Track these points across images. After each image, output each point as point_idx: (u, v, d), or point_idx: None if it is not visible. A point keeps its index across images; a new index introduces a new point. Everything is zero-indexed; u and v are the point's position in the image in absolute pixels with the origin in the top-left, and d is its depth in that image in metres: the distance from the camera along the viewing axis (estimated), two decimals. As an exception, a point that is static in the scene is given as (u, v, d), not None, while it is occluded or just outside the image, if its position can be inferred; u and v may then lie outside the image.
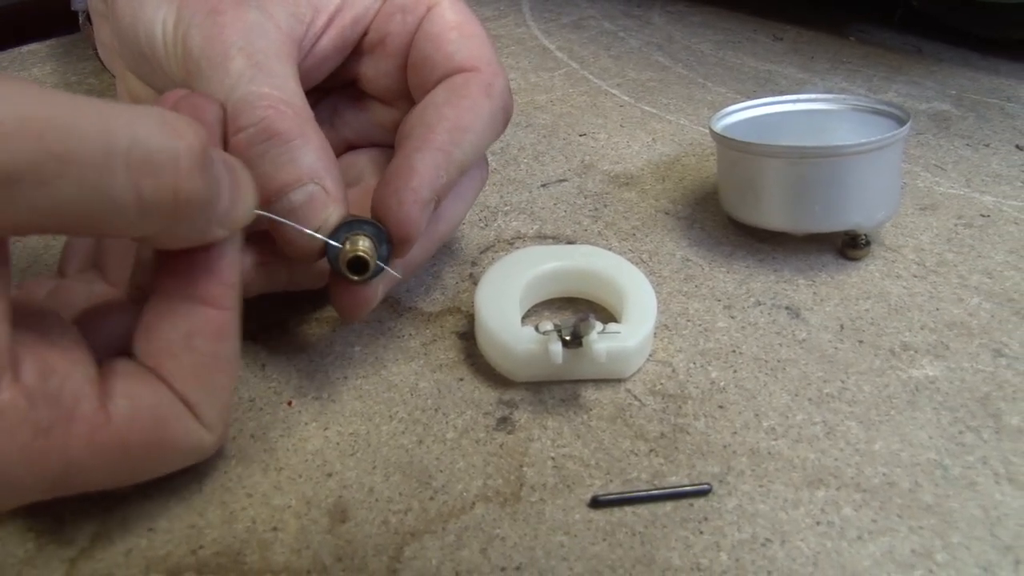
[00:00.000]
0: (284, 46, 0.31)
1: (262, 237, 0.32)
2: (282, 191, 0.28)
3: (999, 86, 0.58)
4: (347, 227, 0.28)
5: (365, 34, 0.36)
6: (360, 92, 0.38)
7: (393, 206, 0.29)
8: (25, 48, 0.60)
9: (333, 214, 0.28)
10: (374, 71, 0.36)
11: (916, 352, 0.35)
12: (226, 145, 0.28)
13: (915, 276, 0.39)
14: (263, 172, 0.28)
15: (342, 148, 0.38)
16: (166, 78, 0.32)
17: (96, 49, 0.46)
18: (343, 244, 0.28)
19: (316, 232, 0.28)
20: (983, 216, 0.44)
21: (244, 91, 0.28)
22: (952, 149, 0.50)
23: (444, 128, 0.31)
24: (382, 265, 0.29)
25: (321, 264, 0.33)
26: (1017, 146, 0.50)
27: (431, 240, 0.34)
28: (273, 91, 0.28)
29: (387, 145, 0.39)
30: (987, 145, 0.50)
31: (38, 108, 0.19)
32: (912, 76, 0.59)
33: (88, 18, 0.45)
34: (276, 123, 0.28)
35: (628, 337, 0.32)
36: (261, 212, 0.27)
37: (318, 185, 0.28)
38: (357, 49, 0.36)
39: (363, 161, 0.37)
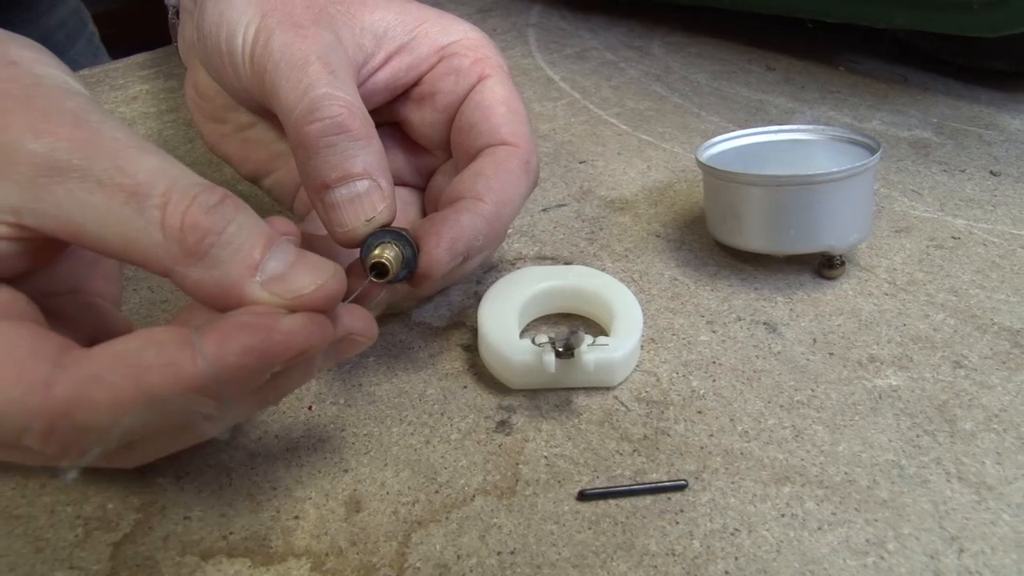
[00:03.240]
0: (350, 67, 0.35)
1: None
2: (344, 180, 0.31)
3: (979, 114, 0.61)
4: (392, 234, 0.32)
5: (417, 84, 0.40)
6: (403, 134, 0.42)
7: (431, 246, 0.33)
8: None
9: (384, 212, 0.32)
10: (420, 119, 0.40)
11: (882, 363, 0.38)
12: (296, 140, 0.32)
13: (886, 294, 0.42)
14: (329, 160, 0.31)
15: None
16: (234, 75, 0.36)
17: (177, 42, 0.51)
18: (375, 247, 0.32)
19: (367, 222, 0.32)
20: (954, 238, 0.47)
21: (324, 90, 0.32)
22: (929, 175, 0.53)
23: (492, 200, 0.35)
24: (394, 282, 0.32)
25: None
26: (991, 171, 0.53)
27: (443, 282, 0.39)
28: (347, 96, 0.32)
29: (416, 187, 0.43)
30: (963, 171, 0.53)
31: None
32: (897, 105, 0.62)
33: (177, 12, 0.50)
34: (349, 120, 0.32)
35: (615, 349, 0.35)
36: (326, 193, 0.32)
37: (376, 183, 0.32)
38: (408, 95, 0.40)
39: None
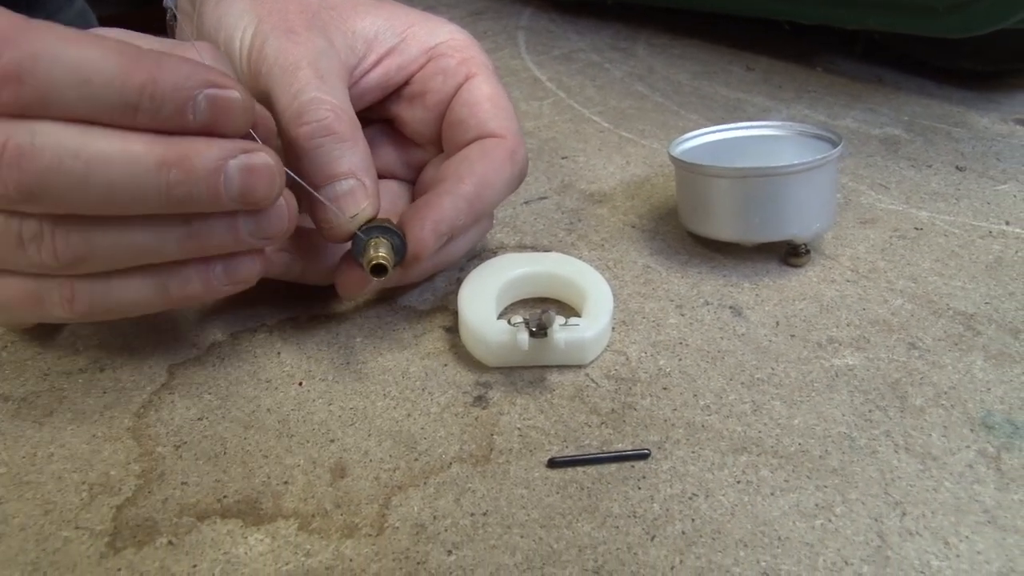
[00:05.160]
0: (341, 71, 0.37)
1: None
2: (331, 179, 0.34)
3: (949, 112, 0.63)
4: (379, 228, 0.35)
5: (407, 83, 0.42)
6: (395, 131, 0.45)
7: (416, 229, 0.35)
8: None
9: (368, 208, 0.34)
10: (410, 117, 0.43)
11: (840, 345, 0.40)
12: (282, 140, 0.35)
13: (848, 281, 0.45)
14: (317, 161, 0.34)
15: None
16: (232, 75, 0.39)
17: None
18: (369, 246, 0.34)
19: (352, 219, 0.34)
20: (917, 229, 0.49)
21: (312, 95, 0.34)
22: (897, 170, 0.55)
23: (472, 182, 0.38)
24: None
25: (328, 263, 0.39)
26: (957, 167, 0.56)
27: (432, 264, 0.41)
28: (334, 100, 0.35)
29: (407, 180, 0.45)
30: (929, 166, 0.56)
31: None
32: (870, 104, 0.65)
33: (175, 15, 0.52)
34: (335, 124, 0.34)
35: (585, 329, 0.38)
36: (316, 194, 0.34)
37: (360, 181, 0.34)
38: (398, 94, 0.43)
39: (383, 191, 0.43)
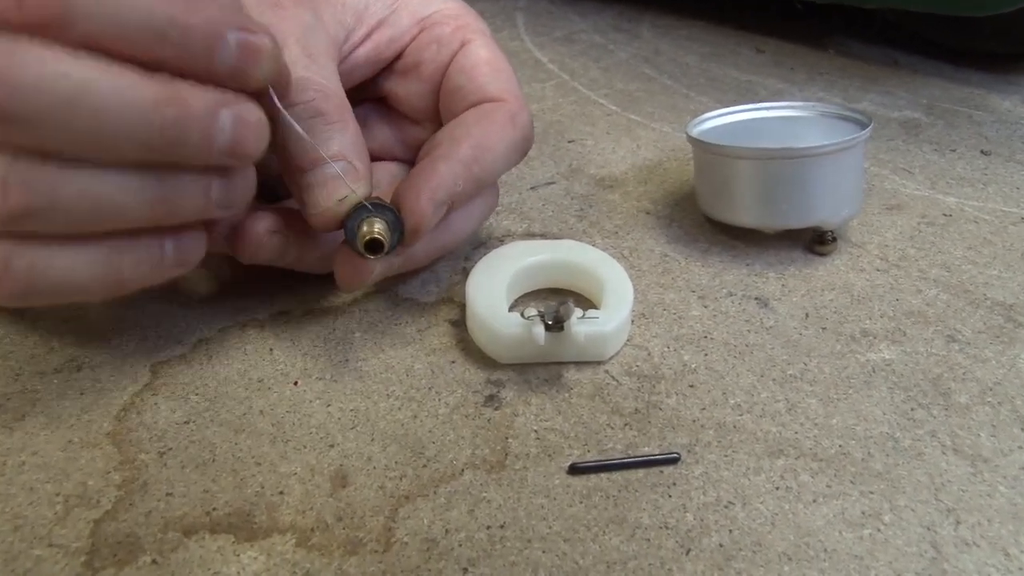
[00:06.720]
0: (330, 47, 0.35)
1: (278, 210, 0.35)
2: (320, 162, 0.31)
3: (969, 95, 0.61)
4: (371, 206, 0.32)
5: (400, 57, 0.40)
6: (389, 109, 0.42)
7: (411, 199, 0.32)
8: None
9: (360, 190, 0.32)
10: (405, 91, 0.40)
11: (875, 338, 0.38)
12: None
13: (878, 270, 0.42)
14: (304, 144, 0.31)
15: None
16: None
17: None
18: (362, 224, 0.31)
19: (340, 202, 0.32)
20: (945, 215, 0.46)
21: (299, 74, 0.32)
22: (920, 154, 0.53)
23: (469, 144, 0.35)
24: (389, 251, 0.32)
25: (326, 249, 0.36)
26: (982, 151, 0.53)
27: (435, 244, 0.38)
28: (322, 80, 0.32)
29: (406, 161, 0.42)
30: (953, 150, 0.53)
31: None
32: (887, 86, 0.62)
33: None
34: (323, 104, 0.32)
35: (606, 322, 0.35)
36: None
37: (350, 163, 0.32)
38: (391, 69, 0.40)
39: (381, 173, 0.41)
